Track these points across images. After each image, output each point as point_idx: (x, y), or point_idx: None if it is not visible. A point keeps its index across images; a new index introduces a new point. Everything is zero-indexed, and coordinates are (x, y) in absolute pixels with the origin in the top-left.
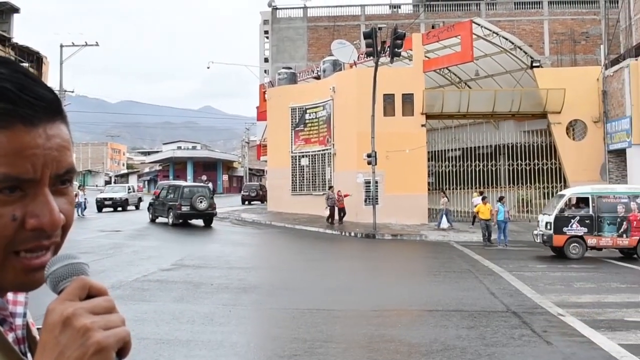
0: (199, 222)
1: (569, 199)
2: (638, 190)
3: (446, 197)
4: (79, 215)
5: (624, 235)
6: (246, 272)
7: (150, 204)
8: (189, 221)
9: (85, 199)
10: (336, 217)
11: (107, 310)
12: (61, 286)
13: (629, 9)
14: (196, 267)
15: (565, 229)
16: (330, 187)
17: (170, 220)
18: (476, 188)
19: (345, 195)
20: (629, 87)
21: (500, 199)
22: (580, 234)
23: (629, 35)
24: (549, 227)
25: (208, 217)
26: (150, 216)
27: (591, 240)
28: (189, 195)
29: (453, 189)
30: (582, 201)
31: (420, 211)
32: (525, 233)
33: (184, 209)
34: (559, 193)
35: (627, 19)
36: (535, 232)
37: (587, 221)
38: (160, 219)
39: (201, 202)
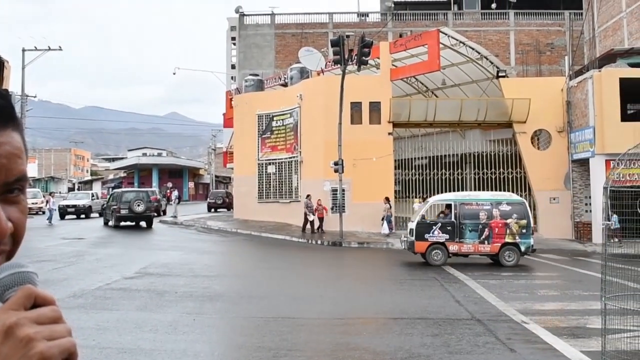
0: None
1: (432, 206)
2: (501, 198)
3: (388, 203)
4: (48, 223)
5: (486, 242)
6: (211, 280)
7: (102, 208)
8: (129, 223)
9: (54, 206)
10: (316, 225)
11: (53, 320)
12: (7, 295)
13: (592, 21)
14: (160, 275)
15: (427, 236)
16: (308, 196)
17: (112, 222)
18: (419, 195)
19: (324, 208)
20: (592, 97)
21: None
22: (442, 241)
23: (592, 47)
24: (412, 233)
25: (146, 219)
26: (104, 219)
27: (453, 247)
28: (128, 200)
29: (420, 197)
30: (447, 208)
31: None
32: None
33: (123, 212)
34: (427, 200)
35: (590, 31)
36: (402, 238)
37: (449, 228)
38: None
39: (138, 205)
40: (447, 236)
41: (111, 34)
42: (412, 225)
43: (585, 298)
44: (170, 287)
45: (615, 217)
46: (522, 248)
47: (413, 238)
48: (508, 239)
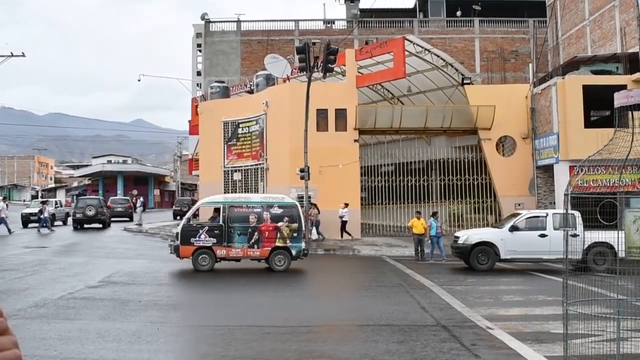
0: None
1: (199, 208)
2: (272, 200)
3: (317, 209)
4: (50, 231)
5: (256, 246)
6: (176, 289)
7: (68, 214)
8: (85, 225)
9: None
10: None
11: None
12: None
13: (556, 28)
14: (124, 284)
15: (193, 240)
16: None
17: (71, 225)
18: (343, 202)
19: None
20: (556, 104)
21: (434, 214)
22: (208, 245)
23: (556, 54)
24: (177, 237)
25: (98, 221)
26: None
27: (220, 251)
28: (83, 205)
29: (386, 204)
30: (215, 211)
31: (353, 226)
32: None
33: (78, 215)
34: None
35: (554, 39)
36: (169, 242)
37: (216, 231)
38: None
39: (90, 210)
40: (214, 240)
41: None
42: (177, 229)
43: (549, 303)
44: (135, 296)
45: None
46: (293, 252)
47: (178, 242)
48: (279, 243)
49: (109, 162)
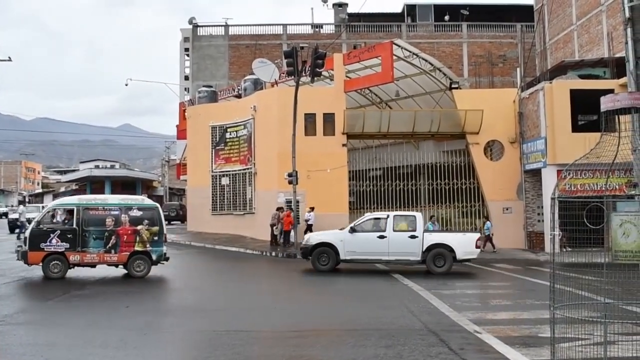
0: None
1: (54, 211)
2: (131, 202)
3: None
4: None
5: (113, 251)
6: (163, 294)
7: None
8: None
9: None
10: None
11: None
12: None
13: (544, 33)
14: (112, 289)
15: (43, 245)
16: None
17: None
18: (309, 206)
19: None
20: (544, 109)
21: (431, 218)
22: (61, 250)
23: (544, 59)
24: (26, 242)
25: None
26: None
27: (74, 257)
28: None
29: (374, 208)
30: (69, 213)
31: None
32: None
33: None
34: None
35: (542, 44)
36: (15, 248)
37: (69, 236)
38: None
39: None
40: (67, 245)
41: (65, 44)
42: (26, 233)
43: (537, 307)
44: (122, 301)
45: (488, 224)
46: (154, 257)
47: (27, 248)
48: (138, 247)
49: (97, 167)
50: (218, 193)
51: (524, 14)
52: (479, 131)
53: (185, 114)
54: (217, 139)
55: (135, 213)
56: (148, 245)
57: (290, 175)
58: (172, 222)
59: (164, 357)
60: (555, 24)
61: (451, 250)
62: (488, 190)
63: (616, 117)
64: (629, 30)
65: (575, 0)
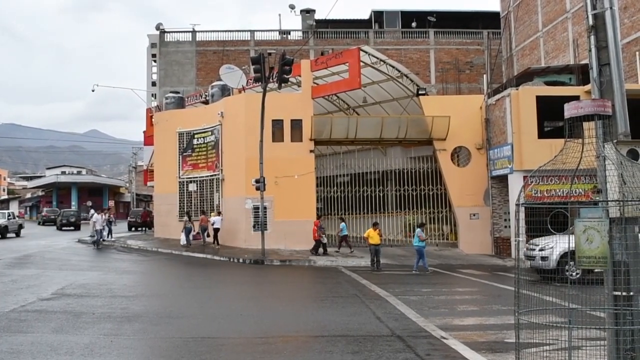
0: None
1: None
2: None
3: (188, 217)
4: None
5: None
6: (130, 301)
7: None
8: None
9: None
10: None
11: None
12: None
13: (510, 40)
14: (77, 296)
15: None
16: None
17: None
18: (213, 209)
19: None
20: (510, 115)
21: (421, 225)
22: None
23: (510, 66)
24: None
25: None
26: None
27: None
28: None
29: (342, 214)
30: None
31: (309, 237)
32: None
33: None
34: None
35: (508, 50)
36: None
37: None
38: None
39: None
40: None
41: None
42: None
43: (504, 313)
44: (88, 308)
45: (343, 225)
46: None
47: None
48: None
49: (63, 173)
50: (185, 199)
51: (491, 20)
52: (446, 137)
53: (153, 120)
54: (185, 145)
55: None
56: None
57: (257, 181)
58: (139, 229)
59: None
60: (522, 30)
61: None
62: (455, 196)
63: (582, 123)
64: (592, 37)
65: (542, 7)
